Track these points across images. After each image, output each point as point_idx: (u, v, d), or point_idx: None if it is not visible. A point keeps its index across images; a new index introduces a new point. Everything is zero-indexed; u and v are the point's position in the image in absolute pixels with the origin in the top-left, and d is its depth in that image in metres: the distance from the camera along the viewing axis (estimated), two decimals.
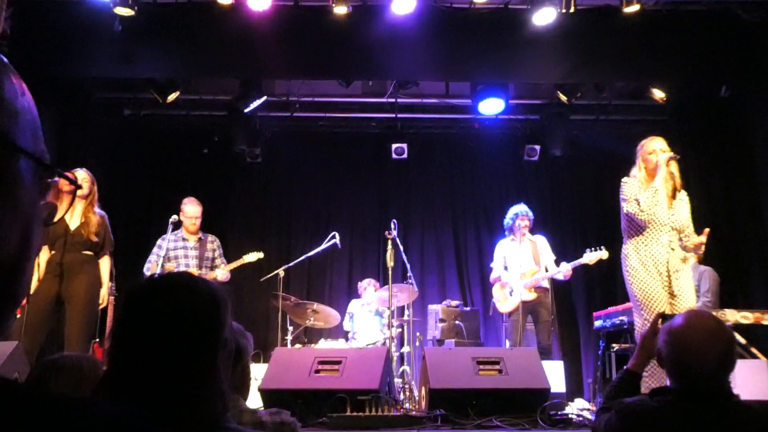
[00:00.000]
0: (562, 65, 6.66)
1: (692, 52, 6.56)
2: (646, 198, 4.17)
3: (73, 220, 5.04)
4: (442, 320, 6.93)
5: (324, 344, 6.41)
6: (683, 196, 4.34)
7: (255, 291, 7.56)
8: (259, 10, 6.13)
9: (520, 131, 8.69)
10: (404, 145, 8.51)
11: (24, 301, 4.73)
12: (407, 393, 5.64)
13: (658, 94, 7.53)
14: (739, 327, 5.22)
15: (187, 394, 1.18)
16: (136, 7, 6.02)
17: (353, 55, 6.67)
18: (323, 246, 6.65)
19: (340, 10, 6.17)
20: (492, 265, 6.78)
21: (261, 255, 6.39)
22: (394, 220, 6.00)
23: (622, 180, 4.38)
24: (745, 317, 5.31)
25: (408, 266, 6.37)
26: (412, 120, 8.66)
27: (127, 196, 8.24)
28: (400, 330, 6.75)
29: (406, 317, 6.65)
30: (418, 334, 6.90)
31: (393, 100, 8.19)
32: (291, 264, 6.76)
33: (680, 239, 4.29)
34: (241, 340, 1.90)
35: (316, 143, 8.82)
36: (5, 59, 0.62)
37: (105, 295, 5.24)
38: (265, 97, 7.60)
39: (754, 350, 5.06)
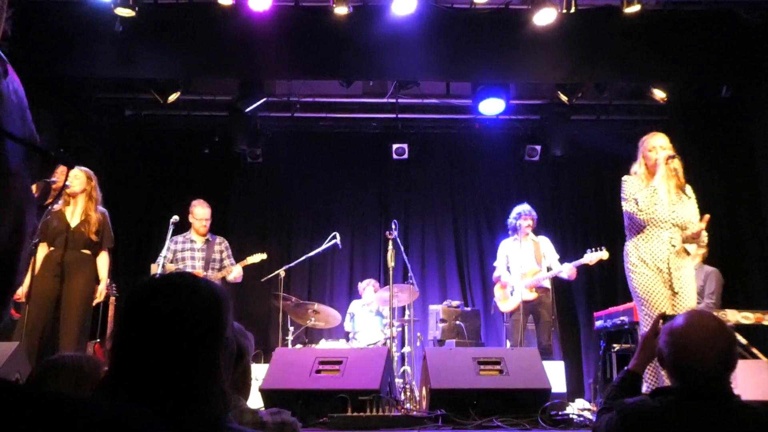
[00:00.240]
0: (562, 65, 6.66)
1: (693, 52, 6.56)
2: (644, 197, 4.16)
3: (74, 218, 5.04)
4: (442, 320, 6.93)
5: (325, 344, 6.41)
6: (690, 193, 4.32)
7: (256, 291, 7.56)
8: (259, 10, 6.14)
9: (521, 131, 8.69)
10: (405, 146, 8.51)
11: (24, 299, 4.73)
12: (408, 393, 5.64)
13: (659, 94, 7.53)
14: (740, 327, 5.22)
15: (189, 394, 1.18)
16: (136, 8, 6.03)
17: (354, 55, 6.67)
18: (324, 246, 6.65)
19: (341, 10, 6.17)
20: (495, 264, 6.78)
21: (264, 256, 6.40)
22: (395, 221, 6.00)
23: (623, 178, 4.37)
24: (746, 318, 5.31)
25: (409, 266, 6.37)
26: (412, 120, 8.66)
27: (128, 196, 8.24)
28: (400, 330, 6.75)
29: (406, 317, 6.65)
30: (418, 334, 6.90)
31: (394, 100, 8.20)
32: (292, 264, 6.76)
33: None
34: (242, 340, 1.90)
35: (317, 143, 8.82)
36: None
37: (103, 290, 5.23)
38: (265, 98, 7.60)
39: (755, 350, 5.06)
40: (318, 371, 4.10)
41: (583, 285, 8.40)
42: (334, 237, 6.58)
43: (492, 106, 7.50)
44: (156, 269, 5.81)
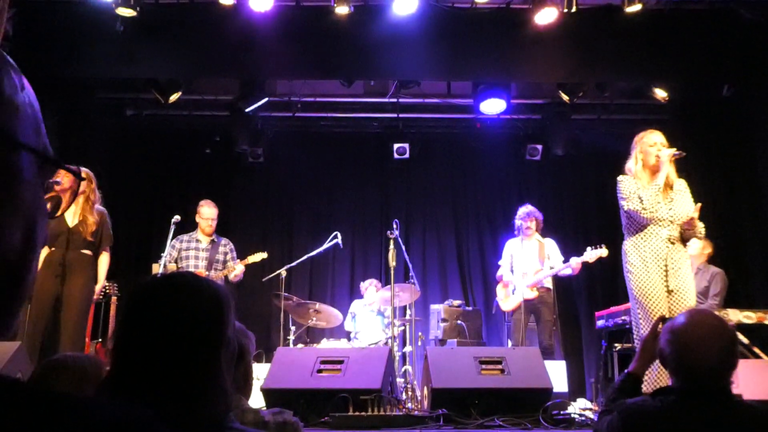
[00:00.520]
0: (563, 65, 6.66)
1: (694, 51, 6.55)
2: (649, 196, 4.11)
3: (73, 219, 5.05)
4: (444, 320, 6.93)
5: (326, 344, 6.41)
6: (682, 186, 4.27)
7: (257, 291, 7.56)
8: (260, 10, 6.14)
9: (522, 131, 8.69)
10: (406, 145, 8.51)
11: (26, 302, 4.74)
12: (409, 393, 5.64)
13: (660, 93, 7.52)
14: (741, 327, 5.21)
15: (190, 393, 1.18)
16: (138, 8, 6.03)
17: (355, 55, 6.67)
18: (325, 246, 6.65)
19: (342, 10, 6.17)
20: (500, 263, 6.78)
21: (265, 255, 6.41)
22: (396, 220, 5.99)
23: (619, 178, 4.32)
24: (748, 317, 5.31)
25: (410, 266, 6.36)
26: (413, 120, 8.66)
27: (129, 196, 8.24)
28: (402, 330, 6.75)
29: (408, 317, 6.65)
30: (420, 333, 6.90)
31: (395, 99, 8.20)
32: (293, 264, 6.76)
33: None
34: (243, 339, 1.90)
35: (318, 143, 8.82)
36: (5, 54, 0.62)
37: (99, 289, 5.25)
38: (266, 98, 7.60)
39: (756, 350, 5.06)
40: (319, 371, 4.10)
41: (585, 284, 8.40)
42: (336, 236, 6.58)
43: (493, 106, 7.50)
44: (158, 269, 5.82)
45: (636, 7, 6.10)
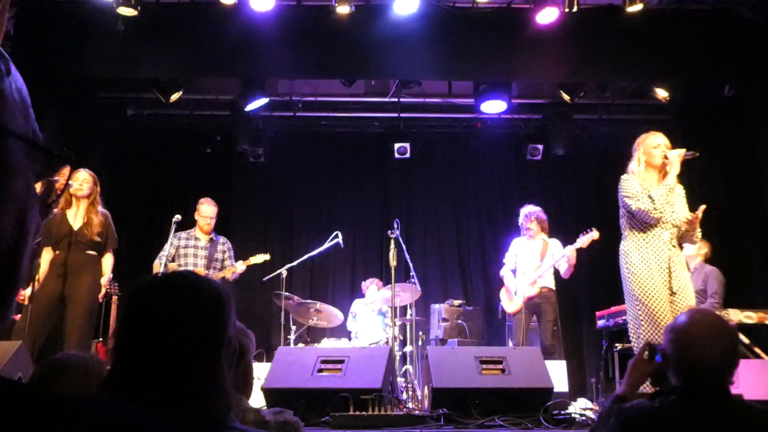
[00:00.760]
0: (564, 64, 6.66)
1: (695, 51, 6.55)
2: (660, 195, 4.06)
3: (76, 221, 5.06)
4: (444, 319, 6.93)
5: (327, 343, 6.41)
6: (681, 192, 4.26)
7: (258, 290, 7.56)
8: (261, 9, 6.14)
9: (523, 130, 8.69)
10: (407, 145, 8.51)
11: (27, 301, 4.75)
12: (410, 392, 5.64)
13: (662, 93, 7.52)
14: (742, 327, 5.21)
15: (191, 393, 1.18)
16: (138, 7, 6.03)
17: (356, 54, 6.67)
18: (326, 245, 6.65)
19: (343, 9, 6.17)
20: (504, 261, 6.78)
21: (267, 257, 6.37)
22: (397, 220, 5.99)
23: (623, 177, 4.27)
24: (749, 317, 5.30)
25: (411, 265, 6.36)
26: (414, 119, 8.66)
27: (130, 195, 8.25)
28: (402, 329, 6.75)
29: (408, 316, 6.65)
30: (420, 333, 6.90)
31: (396, 99, 8.20)
32: (294, 263, 6.75)
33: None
34: (243, 338, 1.90)
35: (319, 143, 8.83)
36: None
37: (104, 285, 5.25)
38: (267, 99, 7.60)
39: (757, 350, 5.06)
40: (320, 370, 4.10)
41: (586, 284, 8.40)
42: (336, 236, 6.58)
43: (494, 106, 7.50)
44: (159, 268, 5.81)
45: (637, 7, 6.10)
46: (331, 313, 6.77)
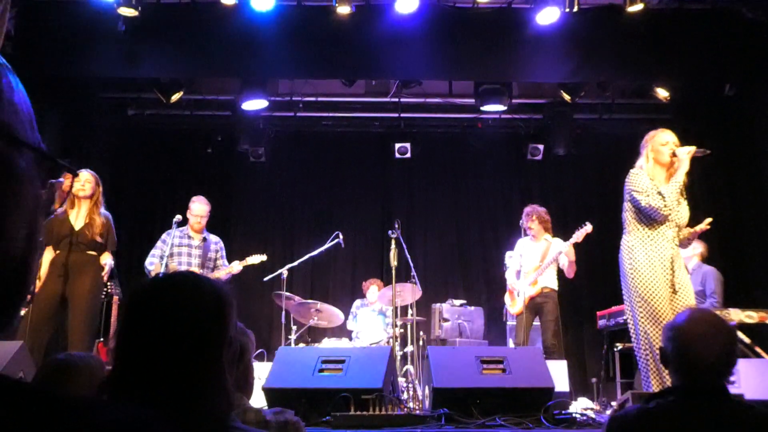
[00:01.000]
0: (565, 64, 6.65)
1: (696, 50, 6.55)
2: (671, 193, 4.03)
3: (78, 221, 5.07)
4: (445, 319, 6.93)
5: (327, 343, 6.41)
6: (684, 193, 4.28)
7: (258, 291, 7.56)
8: (262, 10, 6.15)
9: (524, 130, 8.69)
10: (407, 145, 8.51)
11: (28, 302, 4.75)
12: (411, 392, 5.64)
13: (662, 93, 7.51)
14: (743, 326, 5.21)
15: (193, 393, 1.18)
16: (139, 8, 6.04)
17: (356, 54, 6.68)
18: (326, 245, 6.65)
19: (343, 9, 6.17)
20: (506, 262, 6.78)
21: (264, 258, 6.26)
22: (398, 219, 5.99)
23: (632, 171, 4.21)
24: (750, 316, 5.30)
25: (411, 265, 6.36)
26: (415, 119, 8.66)
27: (131, 196, 8.25)
28: (403, 329, 6.75)
29: (409, 316, 6.65)
30: (421, 333, 6.90)
31: (396, 99, 8.20)
32: (294, 263, 6.75)
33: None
34: (243, 338, 1.91)
35: (320, 143, 8.83)
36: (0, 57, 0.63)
37: (106, 271, 5.23)
38: (266, 103, 7.61)
39: (758, 349, 5.06)
40: (321, 370, 4.10)
41: (587, 284, 8.39)
42: (337, 236, 6.58)
43: (494, 106, 7.50)
44: (160, 268, 5.80)
45: (638, 7, 6.09)
46: (332, 313, 6.77)
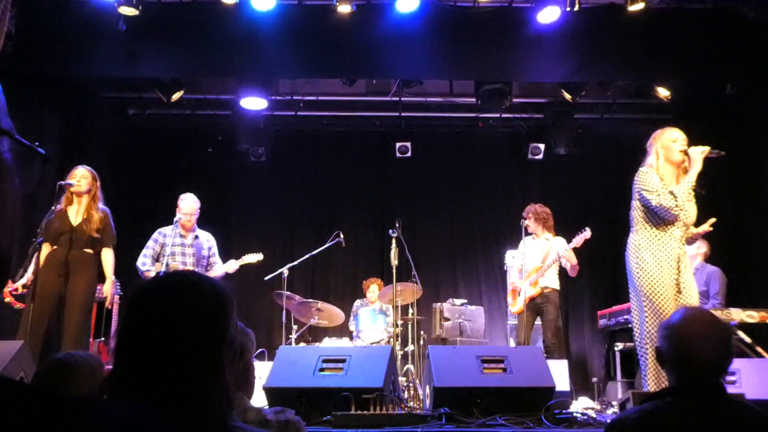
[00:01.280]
0: (566, 64, 6.64)
1: (697, 50, 6.54)
2: (682, 193, 4.00)
3: (77, 217, 5.07)
4: (446, 318, 6.93)
5: (328, 343, 6.41)
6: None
7: (259, 290, 7.57)
8: (263, 9, 6.15)
9: (524, 130, 8.68)
10: (408, 144, 8.52)
11: (29, 300, 4.75)
12: (411, 391, 5.64)
13: (663, 92, 7.50)
14: (744, 326, 5.21)
15: (193, 393, 1.18)
16: (140, 7, 6.04)
17: (357, 53, 6.67)
18: (327, 244, 6.66)
19: (344, 8, 6.17)
20: (508, 262, 6.78)
21: (261, 257, 6.19)
22: (398, 219, 5.99)
23: (642, 170, 4.17)
24: (751, 316, 5.30)
25: (412, 264, 6.36)
26: (416, 118, 8.66)
27: (131, 195, 8.25)
28: (403, 329, 6.76)
29: (410, 316, 6.66)
30: (422, 332, 6.91)
31: (397, 98, 8.19)
32: (295, 263, 6.76)
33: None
34: (243, 337, 1.91)
35: (320, 142, 8.83)
36: None
37: (110, 288, 5.26)
38: (266, 104, 7.61)
39: (759, 349, 5.05)
40: (321, 370, 4.10)
41: (588, 283, 8.39)
42: (337, 235, 6.59)
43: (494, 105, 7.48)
44: (160, 267, 5.80)
45: (639, 6, 6.09)
46: (333, 313, 6.78)
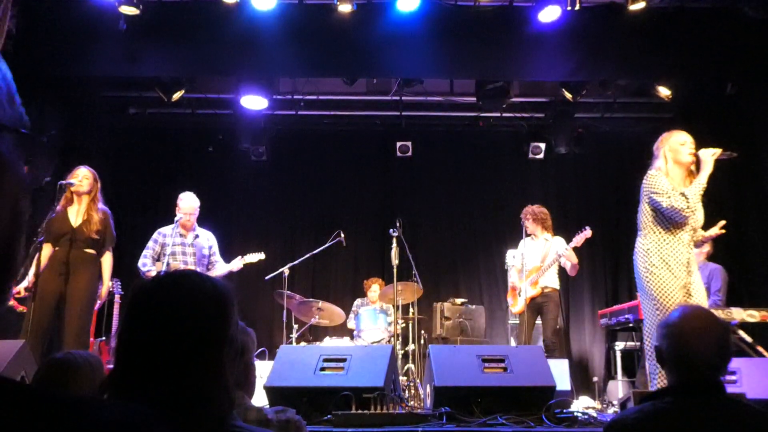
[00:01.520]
0: (567, 63, 6.64)
1: (698, 49, 6.53)
2: (694, 194, 3.99)
3: (77, 218, 5.07)
4: (446, 318, 6.93)
5: (329, 342, 6.42)
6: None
7: (260, 289, 7.57)
8: (263, 8, 6.15)
9: (525, 129, 8.68)
10: (409, 143, 8.51)
11: (30, 300, 4.76)
12: (412, 391, 5.64)
13: (664, 91, 7.49)
14: (745, 325, 5.20)
15: (194, 392, 1.18)
16: (140, 6, 6.04)
17: (358, 53, 6.67)
18: (328, 244, 6.66)
19: (345, 8, 6.17)
20: (508, 261, 6.79)
21: (262, 256, 6.17)
22: (399, 218, 5.99)
23: (651, 173, 4.14)
24: (751, 315, 5.29)
25: (413, 264, 6.36)
26: (416, 118, 8.66)
27: (132, 194, 8.26)
28: (404, 328, 6.76)
29: (411, 315, 6.66)
30: (422, 331, 6.91)
31: (397, 98, 8.19)
32: (296, 262, 6.76)
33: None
34: (243, 337, 1.91)
35: (321, 141, 8.83)
36: None
37: (104, 292, 5.26)
38: (267, 102, 7.60)
39: (760, 348, 5.05)
40: (322, 369, 4.10)
41: (588, 283, 8.39)
42: (338, 234, 6.59)
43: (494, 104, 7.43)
44: (160, 267, 5.80)
45: (639, 5, 6.09)
46: (333, 312, 6.78)
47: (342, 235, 6.59)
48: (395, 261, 5.73)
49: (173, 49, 6.58)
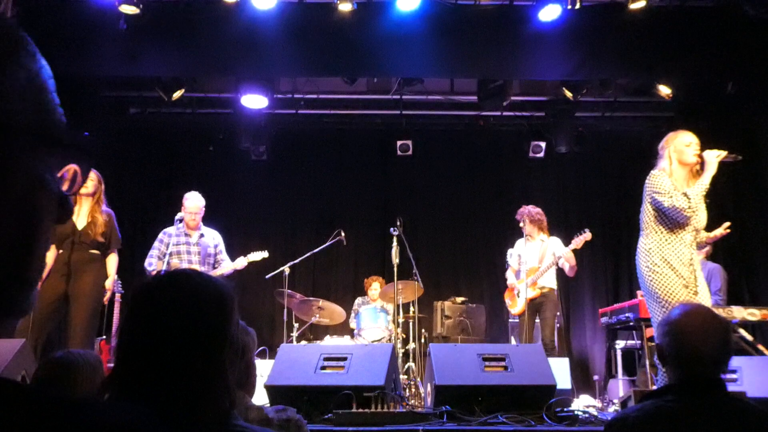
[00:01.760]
0: (567, 62, 6.64)
1: (698, 48, 6.53)
2: (696, 195, 3.97)
3: (80, 220, 5.07)
4: (447, 317, 6.93)
5: (329, 341, 6.42)
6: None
7: (260, 288, 7.58)
8: (263, 8, 6.14)
9: (526, 128, 8.68)
10: (409, 142, 8.51)
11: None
12: (413, 390, 5.65)
13: (665, 90, 7.50)
14: (745, 324, 5.20)
15: (195, 391, 1.18)
16: (141, 6, 6.04)
17: (358, 52, 6.66)
18: (328, 243, 6.66)
19: (345, 7, 6.17)
20: (508, 261, 6.79)
21: (266, 254, 6.15)
22: (399, 217, 5.99)
23: (654, 173, 4.13)
24: (752, 314, 5.29)
25: (413, 263, 6.36)
26: (417, 117, 8.66)
27: (132, 194, 8.26)
28: (405, 327, 6.76)
29: (411, 314, 6.66)
30: (423, 330, 6.91)
31: (398, 97, 8.20)
32: (296, 261, 6.76)
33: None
34: (244, 336, 1.91)
35: (321, 140, 8.83)
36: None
37: (110, 286, 5.24)
38: (267, 102, 7.61)
39: (760, 347, 5.05)
40: (323, 368, 4.10)
41: (589, 282, 8.39)
42: (339, 233, 6.59)
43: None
44: (161, 266, 5.80)
45: (640, 4, 6.09)
46: (334, 311, 6.78)
47: (342, 233, 6.59)
48: (396, 260, 5.73)
49: (173, 48, 6.58)
